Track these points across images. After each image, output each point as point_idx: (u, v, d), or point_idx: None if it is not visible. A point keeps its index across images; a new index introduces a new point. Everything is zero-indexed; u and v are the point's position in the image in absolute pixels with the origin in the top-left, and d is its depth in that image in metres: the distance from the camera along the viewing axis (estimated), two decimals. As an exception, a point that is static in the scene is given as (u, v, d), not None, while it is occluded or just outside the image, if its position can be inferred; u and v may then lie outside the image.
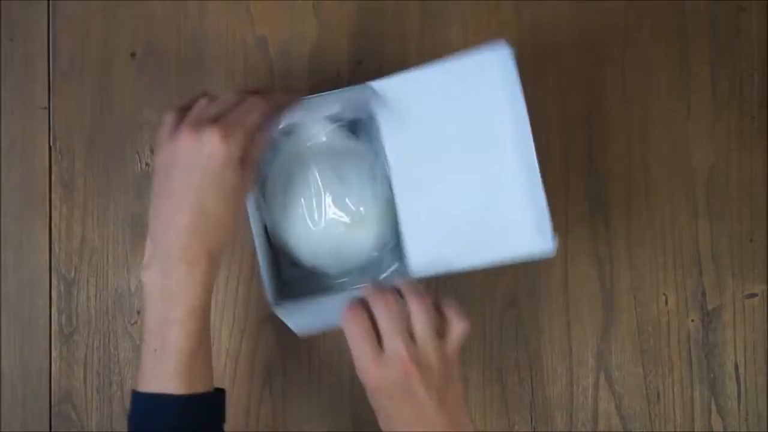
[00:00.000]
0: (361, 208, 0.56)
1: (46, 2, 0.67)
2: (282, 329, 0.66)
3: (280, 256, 0.61)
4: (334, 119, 0.58)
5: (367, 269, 0.59)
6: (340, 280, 0.60)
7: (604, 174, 0.67)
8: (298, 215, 0.56)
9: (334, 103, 0.57)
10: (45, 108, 0.67)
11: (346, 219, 0.56)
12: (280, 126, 0.55)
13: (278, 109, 0.52)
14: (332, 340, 0.66)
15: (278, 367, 0.66)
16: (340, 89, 0.57)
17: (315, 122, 0.58)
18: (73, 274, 0.66)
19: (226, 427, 0.66)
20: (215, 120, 0.48)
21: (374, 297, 0.49)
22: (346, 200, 0.56)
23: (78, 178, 0.67)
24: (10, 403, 0.66)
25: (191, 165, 0.47)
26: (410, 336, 0.48)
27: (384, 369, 0.47)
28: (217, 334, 0.66)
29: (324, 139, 0.58)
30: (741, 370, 0.66)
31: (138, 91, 0.67)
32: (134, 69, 0.67)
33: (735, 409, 0.66)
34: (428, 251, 0.55)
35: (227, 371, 0.66)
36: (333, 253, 0.58)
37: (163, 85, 0.67)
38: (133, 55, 0.67)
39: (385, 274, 0.59)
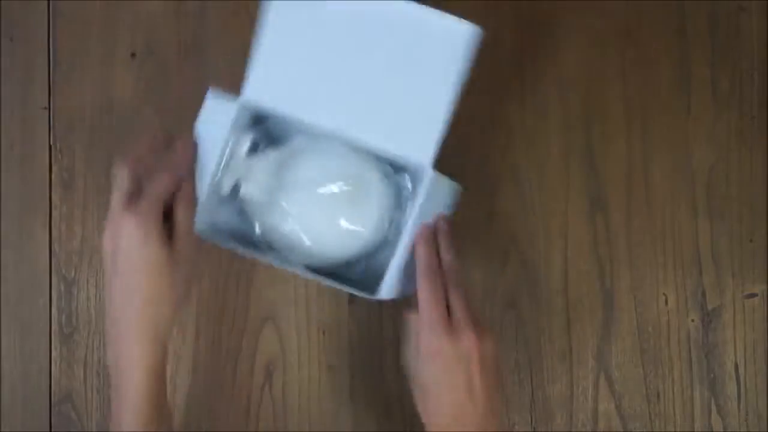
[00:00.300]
0: (347, 178, 0.55)
1: (46, 2, 0.67)
2: (282, 329, 0.66)
3: (338, 271, 0.59)
4: (254, 147, 0.57)
5: (400, 203, 0.58)
6: (393, 236, 0.58)
7: (604, 174, 0.67)
8: (322, 238, 0.56)
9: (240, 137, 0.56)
10: (45, 108, 0.67)
11: (345, 195, 0.55)
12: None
13: (181, 166, 0.54)
14: (332, 340, 0.66)
15: (278, 367, 0.66)
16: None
17: (248, 170, 0.56)
18: (73, 274, 0.66)
19: (226, 427, 0.66)
20: (131, 200, 0.51)
21: (453, 276, 0.52)
22: (332, 189, 0.55)
23: (78, 178, 0.67)
24: (10, 403, 0.66)
25: (118, 250, 0.50)
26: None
27: (452, 339, 0.50)
28: (217, 334, 0.66)
29: (260, 173, 0.57)
30: (741, 370, 0.66)
31: (138, 91, 0.67)
32: (134, 69, 0.67)
33: (735, 409, 0.66)
34: (413, 128, 0.54)
35: (227, 371, 0.66)
36: (370, 229, 0.57)
37: (163, 85, 0.67)
38: (133, 55, 0.67)
39: (412, 192, 0.58)
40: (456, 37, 0.53)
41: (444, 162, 0.67)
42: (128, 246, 0.50)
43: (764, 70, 0.68)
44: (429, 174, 0.54)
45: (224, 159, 0.55)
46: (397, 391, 0.66)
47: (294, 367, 0.66)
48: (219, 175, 0.55)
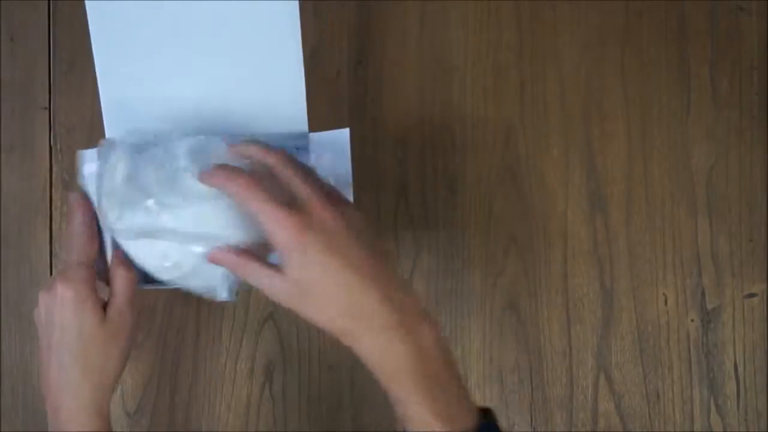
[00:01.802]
0: None
1: (46, 2, 0.67)
2: (282, 329, 0.66)
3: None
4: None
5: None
6: None
7: (604, 174, 0.67)
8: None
9: None
10: (45, 108, 0.67)
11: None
12: None
13: (84, 223, 0.53)
14: (332, 340, 0.66)
15: (278, 367, 0.66)
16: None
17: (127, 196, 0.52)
18: (73, 274, 0.66)
19: (226, 427, 0.66)
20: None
21: (269, 157, 0.47)
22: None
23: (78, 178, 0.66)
24: (10, 402, 0.66)
25: (52, 320, 0.50)
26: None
27: (301, 218, 0.43)
28: (217, 334, 0.66)
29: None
30: (740, 369, 0.66)
31: (138, 91, 0.67)
32: (134, 69, 0.67)
33: (734, 409, 0.66)
34: (280, 105, 0.55)
35: (227, 371, 0.66)
36: None
37: (163, 85, 0.67)
38: (133, 55, 0.67)
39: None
40: (283, 13, 0.54)
41: (444, 162, 0.67)
42: (61, 316, 0.49)
43: (764, 70, 0.68)
44: (310, 136, 0.55)
45: (112, 198, 0.53)
46: (397, 391, 0.66)
47: (294, 367, 0.66)
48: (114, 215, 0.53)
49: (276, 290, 0.45)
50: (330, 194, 0.47)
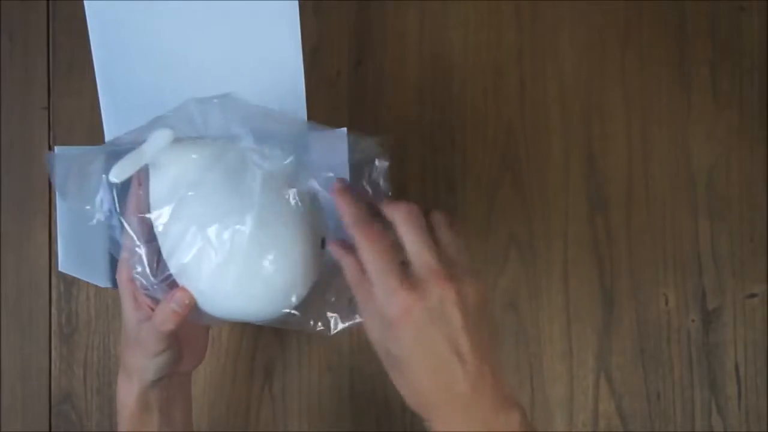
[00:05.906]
0: None
1: (45, 2, 0.67)
2: (282, 329, 0.66)
3: None
4: None
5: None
6: None
7: (604, 174, 0.67)
8: None
9: None
10: (45, 108, 0.67)
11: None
12: None
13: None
14: (332, 341, 0.66)
15: (278, 367, 0.66)
16: None
17: None
18: (73, 274, 0.66)
19: (226, 427, 0.66)
20: None
21: (392, 210, 0.42)
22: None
23: (78, 178, 0.66)
24: (10, 403, 0.66)
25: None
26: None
27: (415, 294, 0.39)
28: (217, 335, 0.66)
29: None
30: (741, 370, 0.66)
31: (138, 91, 0.67)
32: (134, 69, 0.67)
33: (735, 409, 0.66)
34: (280, 103, 0.54)
35: (227, 371, 0.66)
36: None
37: (163, 85, 0.67)
38: (133, 55, 0.67)
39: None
40: (283, 13, 0.54)
41: (444, 162, 0.67)
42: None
43: (764, 70, 0.67)
44: (309, 134, 0.55)
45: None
46: (397, 392, 0.66)
47: (294, 367, 0.66)
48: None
49: (372, 333, 0.43)
50: (451, 260, 0.41)
